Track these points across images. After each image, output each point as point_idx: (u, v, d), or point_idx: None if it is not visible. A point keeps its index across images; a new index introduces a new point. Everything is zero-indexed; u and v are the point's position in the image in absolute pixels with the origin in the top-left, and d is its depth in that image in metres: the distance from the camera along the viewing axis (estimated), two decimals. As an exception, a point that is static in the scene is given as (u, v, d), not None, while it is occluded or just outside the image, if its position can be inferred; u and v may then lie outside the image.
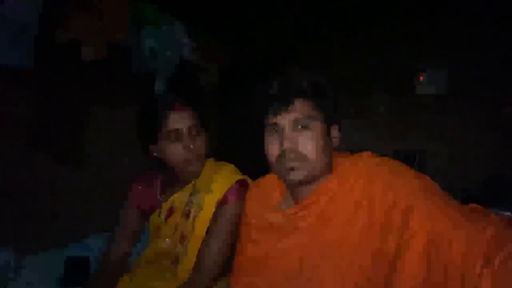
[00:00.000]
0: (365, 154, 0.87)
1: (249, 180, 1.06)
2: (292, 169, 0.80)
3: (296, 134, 0.80)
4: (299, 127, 0.80)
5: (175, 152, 1.01)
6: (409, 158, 0.71)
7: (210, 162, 1.13)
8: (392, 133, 2.67)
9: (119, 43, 1.85)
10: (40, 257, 1.53)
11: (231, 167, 1.12)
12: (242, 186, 1.04)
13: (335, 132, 0.86)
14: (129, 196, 1.15)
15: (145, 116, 1.06)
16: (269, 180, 0.96)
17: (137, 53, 2.05)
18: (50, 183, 1.70)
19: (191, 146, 1.01)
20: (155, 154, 1.06)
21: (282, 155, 0.80)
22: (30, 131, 1.65)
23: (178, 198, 1.08)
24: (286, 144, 0.79)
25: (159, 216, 1.09)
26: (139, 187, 1.15)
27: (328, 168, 0.85)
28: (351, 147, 0.94)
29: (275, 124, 0.81)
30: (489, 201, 0.74)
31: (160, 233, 1.08)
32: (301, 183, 0.82)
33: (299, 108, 0.80)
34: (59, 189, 1.73)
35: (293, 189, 0.88)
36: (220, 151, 1.12)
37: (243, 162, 1.15)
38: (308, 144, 0.79)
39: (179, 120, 1.01)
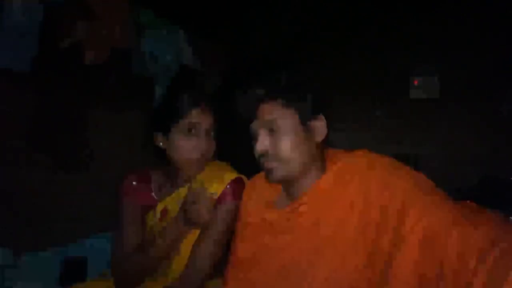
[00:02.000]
0: (361, 152, 0.87)
1: (245, 179, 1.06)
2: (269, 169, 0.83)
3: (267, 137, 0.83)
4: (270, 129, 0.83)
5: (186, 146, 1.00)
6: (404, 161, 0.73)
7: (207, 164, 1.10)
8: (387, 136, 2.68)
9: (119, 47, 1.88)
10: (38, 257, 1.53)
11: (226, 165, 1.11)
12: (237, 184, 1.03)
13: (318, 124, 0.85)
14: (124, 192, 1.10)
15: (166, 102, 1.06)
16: (265, 178, 0.96)
17: (137, 57, 2.08)
18: (50, 184, 1.71)
19: (203, 146, 1.01)
20: (160, 143, 1.05)
21: (260, 158, 0.84)
22: (31, 133, 1.66)
23: (173, 199, 1.06)
24: (259, 148, 0.83)
25: (153, 217, 1.07)
26: (133, 185, 1.11)
27: (314, 163, 0.86)
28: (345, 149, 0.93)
29: (252, 129, 0.86)
30: (483, 203, 0.75)
31: (153, 233, 1.05)
32: (281, 181, 0.86)
33: (266, 112, 0.83)
34: (58, 190, 1.73)
35: (288, 186, 0.89)
36: (218, 151, 1.13)
37: (241, 161, 1.15)
38: (280, 144, 0.82)
39: (200, 117, 1.01)
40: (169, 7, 2.15)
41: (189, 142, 1.01)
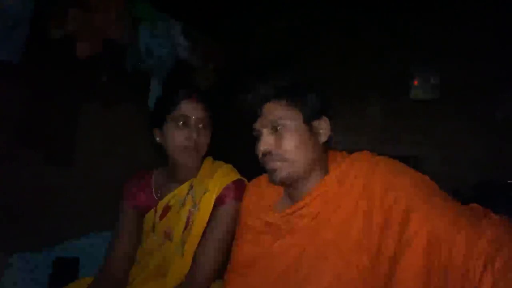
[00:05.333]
0: (364, 154, 0.86)
1: (246, 181, 1.06)
2: (273, 169, 0.83)
3: (272, 137, 0.83)
4: (275, 129, 0.83)
5: (178, 138, 1.02)
6: (402, 162, 0.72)
7: (208, 161, 1.12)
8: (386, 137, 2.69)
9: (114, 40, 1.83)
10: (29, 257, 1.49)
11: (229, 166, 1.11)
12: (239, 186, 1.03)
13: (322, 125, 0.86)
14: (124, 196, 1.12)
15: (160, 97, 1.10)
16: (266, 180, 0.95)
17: (132, 50, 2.03)
18: (40, 182, 1.66)
19: (195, 136, 1.02)
20: (157, 138, 1.07)
21: (262, 157, 0.84)
22: (21, 128, 1.61)
23: (174, 196, 1.07)
24: (262, 147, 0.83)
25: (154, 215, 1.07)
26: (134, 187, 1.13)
27: (317, 164, 0.85)
28: (345, 150, 0.93)
29: (255, 129, 0.86)
30: (481, 205, 0.75)
31: (154, 231, 1.06)
32: (284, 182, 0.84)
33: (271, 111, 0.83)
34: (49, 188, 1.69)
35: (290, 188, 0.87)
36: (217, 151, 1.12)
37: (240, 163, 1.14)
38: (284, 144, 0.81)
39: (191, 109, 1.03)
40: (165, 0, 2.10)
41: (181, 133, 1.02)
